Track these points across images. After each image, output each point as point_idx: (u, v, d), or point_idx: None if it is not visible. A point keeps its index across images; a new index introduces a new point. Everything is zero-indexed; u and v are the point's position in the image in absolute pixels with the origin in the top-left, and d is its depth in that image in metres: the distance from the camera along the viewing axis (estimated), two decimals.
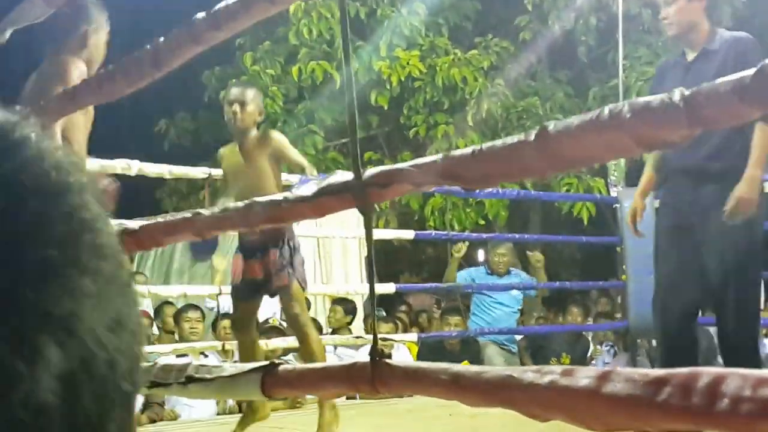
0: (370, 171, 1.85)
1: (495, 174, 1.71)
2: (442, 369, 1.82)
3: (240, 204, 2.11)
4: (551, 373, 1.60)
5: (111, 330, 0.46)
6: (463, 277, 7.77)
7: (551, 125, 1.59)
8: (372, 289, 1.97)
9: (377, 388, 1.92)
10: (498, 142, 1.67)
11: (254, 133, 4.32)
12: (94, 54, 3.50)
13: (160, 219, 2.40)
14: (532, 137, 1.60)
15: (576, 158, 1.62)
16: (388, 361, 1.92)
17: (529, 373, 1.65)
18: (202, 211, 2.22)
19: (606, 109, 1.50)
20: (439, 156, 1.74)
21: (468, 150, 1.71)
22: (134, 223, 2.41)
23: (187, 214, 2.26)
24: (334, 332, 6.92)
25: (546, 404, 1.62)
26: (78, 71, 3.31)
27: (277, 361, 2.10)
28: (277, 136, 4.40)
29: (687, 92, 1.38)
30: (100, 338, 0.45)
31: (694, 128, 1.41)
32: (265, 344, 5.96)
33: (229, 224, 2.18)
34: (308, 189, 1.95)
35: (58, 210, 0.46)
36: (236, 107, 4.22)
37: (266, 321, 6.70)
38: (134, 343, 0.49)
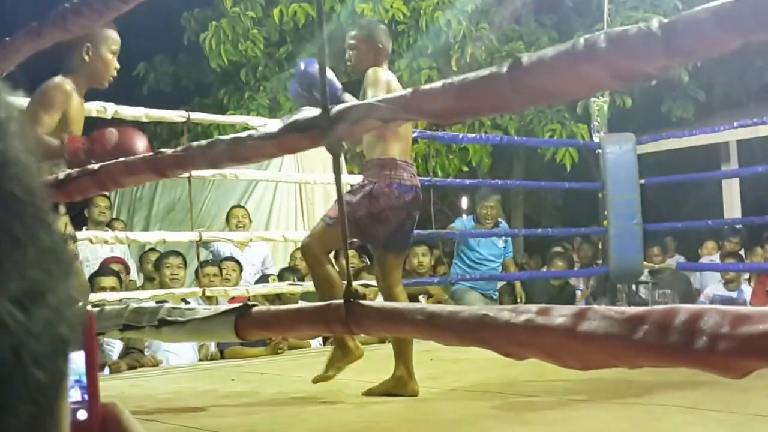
0: (338, 107, 1.79)
1: (466, 109, 1.66)
2: (418, 309, 1.80)
3: (203, 142, 2.06)
4: (527, 312, 1.58)
5: (19, 305, 0.37)
6: (455, 227, 7.76)
7: (525, 57, 1.54)
8: (344, 233, 1.93)
9: (351, 328, 1.90)
10: (470, 75, 1.62)
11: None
12: (97, 68, 3.69)
13: (121, 159, 2.34)
14: (504, 70, 1.56)
15: (550, 92, 1.57)
16: (362, 301, 1.89)
17: (504, 312, 1.62)
18: (163, 150, 2.17)
19: (581, 40, 1.45)
20: (409, 90, 1.70)
21: (438, 84, 1.66)
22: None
23: (149, 154, 2.21)
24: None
25: (522, 343, 1.60)
26: (56, 87, 3.53)
27: (250, 303, 2.07)
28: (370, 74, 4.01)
29: (665, 21, 1.33)
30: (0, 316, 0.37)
31: (672, 59, 1.36)
32: (246, 291, 5.95)
33: (191, 163, 2.12)
34: (274, 126, 1.90)
35: None
36: (348, 53, 4.07)
37: (266, 278, 6.65)
38: (57, 321, 0.40)
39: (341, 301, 1.87)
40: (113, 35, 3.77)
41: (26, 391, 0.38)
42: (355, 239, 4.08)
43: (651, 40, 1.35)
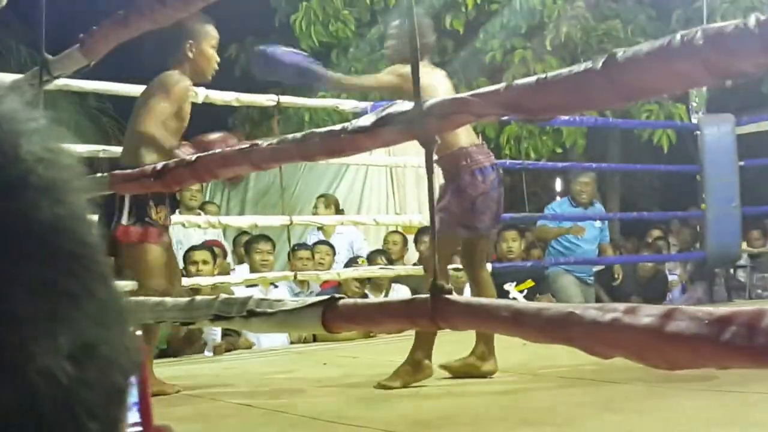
0: (431, 101, 1.79)
1: (559, 105, 1.64)
2: (504, 305, 1.79)
3: (297, 135, 2.08)
4: (614, 310, 1.56)
5: (72, 359, 0.37)
6: (549, 211, 7.66)
7: (619, 53, 1.51)
8: (432, 221, 1.94)
9: (437, 323, 1.90)
10: (564, 71, 1.60)
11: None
12: (200, 62, 3.87)
13: (217, 151, 2.38)
14: (599, 66, 1.53)
15: (645, 88, 1.54)
16: (448, 296, 1.89)
17: (591, 310, 1.61)
18: (259, 142, 2.20)
19: (678, 36, 1.42)
20: (502, 85, 1.68)
21: (532, 79, 1.64)
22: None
23: (245, 146, 2.24)
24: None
25: (608, 342, 1.58)
26: (178, 82, 3.77)
27: (337, 296, 2.09)
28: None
29: (762, 17, 1.29)
30: (51, 371, 0.37)
31: None
32: (338, 275, 6.00)
33: (286, 156, 2.15)
34: (367, 119, 1.91)
35: None
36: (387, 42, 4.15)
37: (355, 260, 6.70)
38: (110, 371, 0.40)
39: (427, 295, 1.87)
40: (212, 30, 3.93)
41: None
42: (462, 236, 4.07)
43: (748, 37, 1.32)
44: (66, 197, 0.40)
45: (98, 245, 0.41)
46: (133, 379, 0.57)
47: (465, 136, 3.98)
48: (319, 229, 7.10)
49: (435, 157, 3.89)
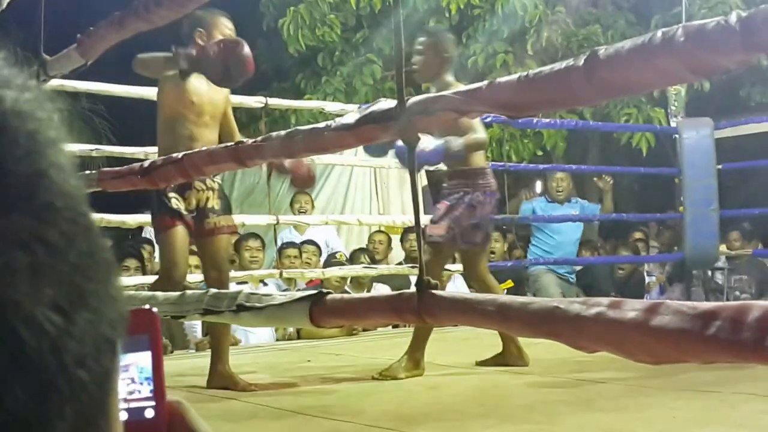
0: (414, 99, 1.82)
1: (541, 102, 1.67)
2: (489, 300, 1.82)
3: (282, 132, 2.10)
4: (598, 305, 1.59)
5: (58, 310, 0.38)
6: (525, 209, 7.71)
7: (601, 50, 1.54)
8: (417, 220, 1.96)
9: (423, 318, 1.93)
10: (546, 69, 1.62)
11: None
12: None
13: (203, 148, 2.40)
14: (581, 63, 1.56)
15: (627, 85, 1.57)
16: (434, 291, 1.92)
17: (575, 305, 1.63)
18: (244, 140, 2.22)
19: (658, 33, 1.45)
20: (484, 83, 1.71)
21: (513, 77, 1.67)
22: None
23: (229, 144, 2.26)
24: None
25: (592, 336, 1.61)
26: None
27: (324, 291, 2.11)
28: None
29: (744, 14, 1.32)
30: (37, 321, 0.37)
31: (751, 53, 1.35)
32: (322, 273, 6.03)
33: (270, 153, 2.17)
34: (351, 117, 1.93)
35: None
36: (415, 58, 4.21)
37: (334, 255, 6.73)
38: (98, 322, 0.40)
39: (414, 290, 1.90)
40: (224, 20, 3.92)
41: (71, 391, 0.38)
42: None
43: (729, 34, 1.34)
44: (45, 149, 0.40)
45: (81, 197, 0.42)
46: (146, 344, 0.58)
47: (483, 157, 4.30)
48: (294, 227, 7.11)
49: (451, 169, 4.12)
